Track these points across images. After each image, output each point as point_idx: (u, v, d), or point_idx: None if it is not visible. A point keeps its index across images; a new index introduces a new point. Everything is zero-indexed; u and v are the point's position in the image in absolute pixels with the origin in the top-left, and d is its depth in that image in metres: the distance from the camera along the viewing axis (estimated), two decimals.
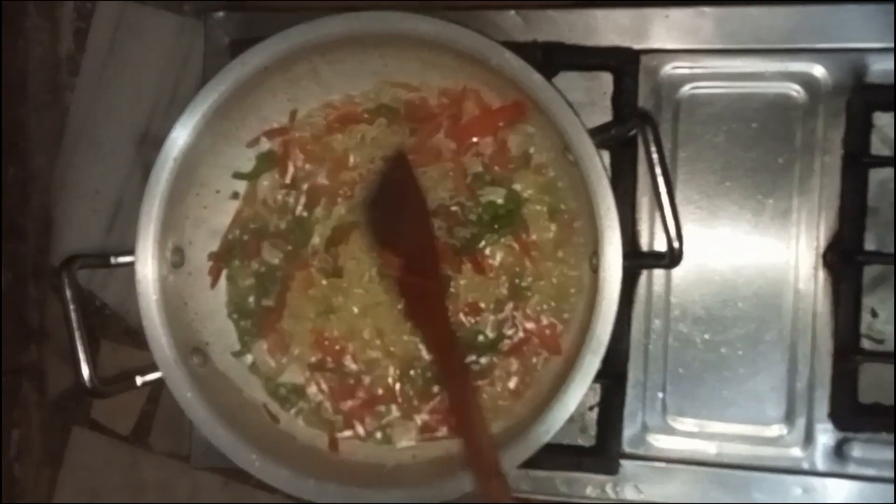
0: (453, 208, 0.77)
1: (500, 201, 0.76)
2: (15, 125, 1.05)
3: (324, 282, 0.79)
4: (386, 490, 0.71)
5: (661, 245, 0.77)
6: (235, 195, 0.80)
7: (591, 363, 0.67)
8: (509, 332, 0.77)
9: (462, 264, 0.77)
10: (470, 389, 0.73)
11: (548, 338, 0.76)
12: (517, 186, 0.76)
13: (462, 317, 0.77)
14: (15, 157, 1.05)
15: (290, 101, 0.79)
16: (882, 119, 0.77)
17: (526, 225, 0.76)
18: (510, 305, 0.77)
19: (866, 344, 0.77)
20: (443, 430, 0.77)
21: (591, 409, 0.81)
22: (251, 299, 0.80)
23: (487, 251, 0.77)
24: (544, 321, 0.76)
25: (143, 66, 1.02)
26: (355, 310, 0.78)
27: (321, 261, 0.79)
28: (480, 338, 0.77)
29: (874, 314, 0.77)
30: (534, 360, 0.77)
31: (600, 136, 0.68)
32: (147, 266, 0.73)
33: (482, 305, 0.77)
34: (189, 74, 0.98)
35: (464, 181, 0.77)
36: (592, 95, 0.81)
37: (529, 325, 0.76)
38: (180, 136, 0.72)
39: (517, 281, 0.76)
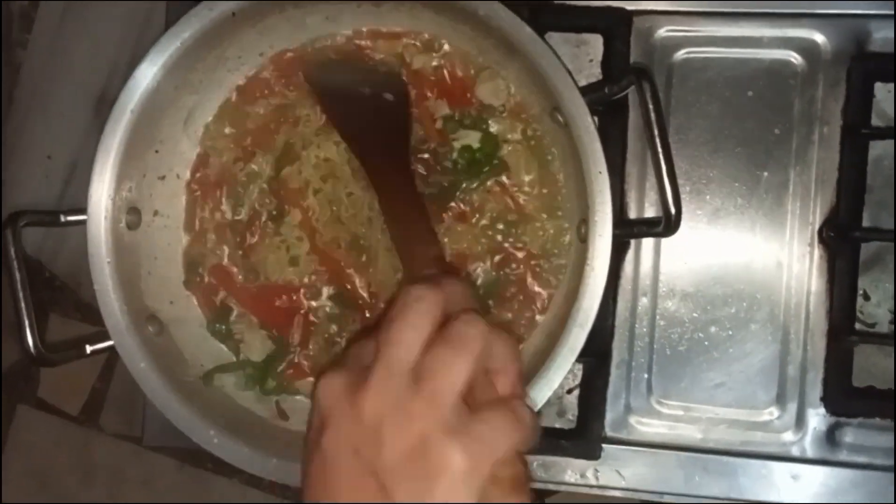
0: (425, 155, 0.72)
1: (475, 145, 0.72)
2: None
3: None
4: None
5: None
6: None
7: (578, 337, 0.63)
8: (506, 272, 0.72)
9: (443, 213, 0.72)
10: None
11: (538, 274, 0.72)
12: (493, 128, 0.72)
13: None
14: None
15: (260, 56, 0.73)
16: (880, 91, 0.74)
17: (506, 166, 0.72)
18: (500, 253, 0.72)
19: (858, 327, 0.74)
20: None
21: (569, 391, 0.77)
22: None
23: (468, 197, 0.72)
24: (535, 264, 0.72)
25: (101, 23, 0.97)
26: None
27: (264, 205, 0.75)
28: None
29: (866, 296, 0.75)
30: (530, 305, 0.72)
31: (592, 94, 0.64)
32: (100, 225, 0.67)
33: (469, 253, 0.72)
34: (151, 32, 0.93)
35: (433, 125, 0.72)
36: (579, 62, 0.77)
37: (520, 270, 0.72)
38: (139, 86, 0.67)
39: (502, 227, 0.72)
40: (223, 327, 0.75)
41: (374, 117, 0.71)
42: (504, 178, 0.72)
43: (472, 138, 0.72)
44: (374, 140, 0.70)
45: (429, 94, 0.73)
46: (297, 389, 0.74)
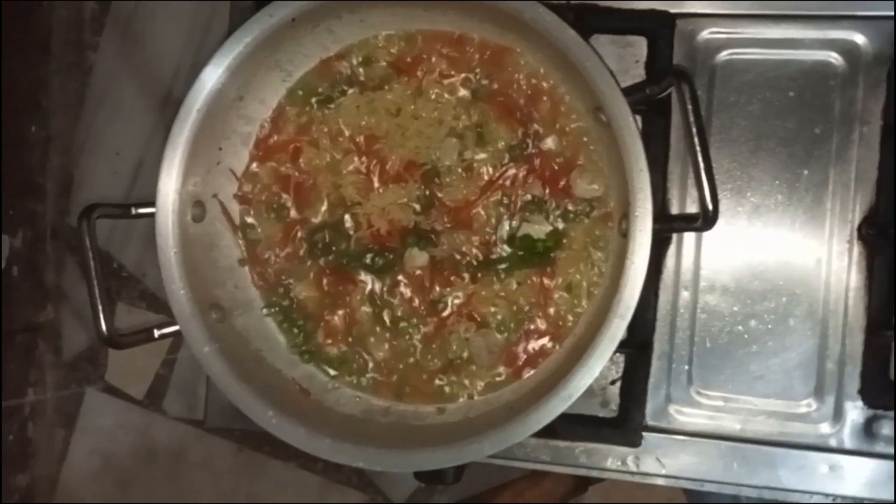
0: (487, 228, 0.75)
1: (539, 237, 0.73)
2: (38, 85, 1.05)
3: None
4: (407, 451, 0.69)
5: None
6: None
7: (618, 327, 0.65)
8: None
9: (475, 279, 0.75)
10: None
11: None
12: (565, 227, 0.74)
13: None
14: (37, 117, 1.05)
15: (318, 58, 0.77)
16: None
17: (554, 265, 0.74)
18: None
19: None
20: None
21: (612, 383, 0.79)
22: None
23: (501, 276, 0.75)
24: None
25: (167, 27, 1.01)
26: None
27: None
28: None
29: None
30: None
31: (634, 95, 0.66)
32: (168, 218, 0.71)
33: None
34: (214, 35, 0.98)
35: (519, 197, 0.74)
36: (625, 63, 0.79)
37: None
38: (204, 87, 0.71)
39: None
40: (279, 303, 0.78)
41: None
42: (545, 276, 0.74)
43: (539, 230, 0.74)
44: None
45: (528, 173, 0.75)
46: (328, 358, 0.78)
